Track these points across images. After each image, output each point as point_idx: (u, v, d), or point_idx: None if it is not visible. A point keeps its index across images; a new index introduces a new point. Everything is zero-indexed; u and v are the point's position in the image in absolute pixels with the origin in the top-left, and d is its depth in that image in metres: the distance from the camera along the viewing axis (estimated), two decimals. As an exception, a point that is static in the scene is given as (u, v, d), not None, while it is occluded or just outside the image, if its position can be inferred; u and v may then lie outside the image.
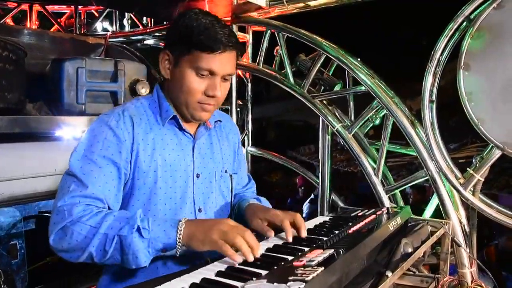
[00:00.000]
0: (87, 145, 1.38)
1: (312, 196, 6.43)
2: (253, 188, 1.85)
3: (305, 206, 6.31)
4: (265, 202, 1.73)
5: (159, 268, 1.41)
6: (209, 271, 1.14)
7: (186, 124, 1.51)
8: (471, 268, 2.31)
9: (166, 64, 1.44)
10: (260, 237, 1.48)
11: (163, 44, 3.89)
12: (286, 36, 3.01)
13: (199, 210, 1.51)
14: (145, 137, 1.42)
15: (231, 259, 1.18)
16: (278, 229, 1.50)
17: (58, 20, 4.44)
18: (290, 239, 1.41)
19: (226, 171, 1.63)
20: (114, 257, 1.24)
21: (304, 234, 1.44)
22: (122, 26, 4.39)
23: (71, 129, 2.61)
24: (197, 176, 1.51)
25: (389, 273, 1.38)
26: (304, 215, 5.94)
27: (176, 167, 1.47)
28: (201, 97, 1.41)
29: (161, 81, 1.54)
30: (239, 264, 1.19)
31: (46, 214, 2.90)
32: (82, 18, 4.43)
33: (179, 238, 1.23)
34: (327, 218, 1.80)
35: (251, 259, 1.18)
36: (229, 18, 3.32)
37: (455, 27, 2.28)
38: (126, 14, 4.32)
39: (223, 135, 1.66)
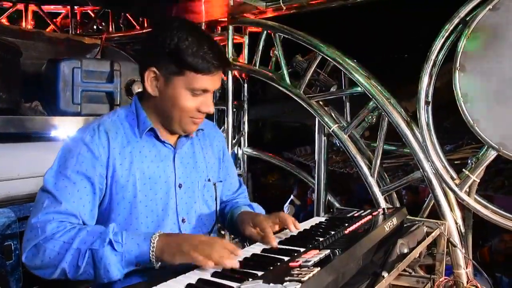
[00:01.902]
0: (61, 161, 1.37)
1: (291, 197, 6.46)
2: (245, 193, 1.84)
3: (285, 208, 6.33)
4: (258, 209, 1.73)
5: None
6: (205, 272, 1.14)
7: (165, 135, 1.49)
8: (466, 268, 2.32)
9: (153, 81, 1.41)
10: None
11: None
12: (282, 37, 3.01)
13: (183, 220, 1.50)
14: (122, 151, 1.41)
15: (202, 265, 1.16)
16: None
17: (54, 20, 4.43)
18: (294, 228, 1.47)
19: (209, 180, 1.60)
20: (87, 272, 1.23)
21: (293, 228, 1.48)
22: (117, 27, 4.38)
23: (67, 130, 2.60)
24: (180, 186, 1.50)
25: (385, 274, 1.38)
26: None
27: (156, 179, 1.45)
28: (194, 113, 1.43)
29: (140, 95, 1.51)
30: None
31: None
32: (78, 19, 4.42)
33: (152, 251, 1.22)
34: (323, 219, 1.81)
35: (227, 265, 1.16)
36: (225, 19, 3.32)
37: (451, 28, 2.29)
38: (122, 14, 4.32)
39: (207, 143, 1.65)
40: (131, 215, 1.41)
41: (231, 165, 1.79)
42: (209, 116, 1.56)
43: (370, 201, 2.70)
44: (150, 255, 1.22)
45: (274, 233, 1.50)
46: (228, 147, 3.36)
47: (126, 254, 1.22)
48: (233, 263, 1.17)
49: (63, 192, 1.31)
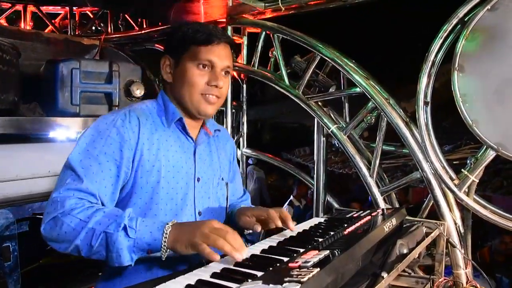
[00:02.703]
0: (90, 140, 1.39)
1: (291, 197, 6.45)
2: (248, 201, 1.87)
3: (284, 208, 6.31)
4: None
5: (143, 272, 1.41)
6: (204, 273, 1.14)
7: (189, 129, 1.53)
8: (466, 269, 2.32)
9: (167, 68, 1.52)
10: (254, 241, 1.49)
11: (161, 47, 3.95)
12: (281, 37, 3.01)
13: (199, 213, 1.53)
14: (150, 137, 1.45)
15: (209, 257, 1.18)
16: (270, 232, 1.51)
17: (53, 21, 4.42)
18: (292, 226, 1.49)
19: (222, 179, 1.66)
20: (100, 252, 1.25)
21: (292, 226, 1.50)
22: (116, 28, 4.37)
23: (65, 131, 2.60)
24: (198, 180, 1.53)
25: (384, 274, 1.38)
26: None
27: (179, 169, 1.49)
28: (204, 88, 1.46)
29: (164, 87, 1.58)
30: (234, 266, 1.18)
31: (39, 216, 2.88)
32: (76, 19, 4.41)
33: (165, 241, 1.23)
34: (322, 220, 1.80)
35: (237, 257, 1.18)
36: (224, 20, 3.32)
37: (449, 29, 2.29)
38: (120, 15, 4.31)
39: (221, 145, 1.70)
40: (152, 200, 1.43)
41: (238, 172, 1.84)
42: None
43: (361, 200, 2.70)
44: (162, 245, 1.23)
45: (272, 234, 1.52)
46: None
47: (138, 241, 1.23)
48: (242, 255, 1.19)
49: (87, 171, 1.33)
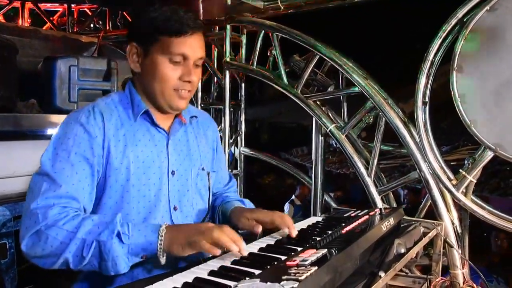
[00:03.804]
0: (57, 143, 1.33)
1: (292, 196, 6.46)
2: (235, 187, 1.82)
3: (285, 207, 6.33)
4: (249, 205, 1.72)
5: (140, 276, 1.36)
6: (201, 270, 1.14)
7: (159, 120, 1.46)
8: (463, 269, 2.32)
9: (134, 57, 1.42)
10: (251, 239, 1.47)
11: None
12: (280, 36, 3.00)
13: (174, 208, 1.47)
14: (116, 133, 1.38)
15: (210, 252, 1.16)
16: (266, 231, 1.50)
17: (51, 18, 4.41)
18: (295, 233, 1.43)
19: (203, 169, 1.58)
20: (91, 263, 1.20)
21: (295, 233, 1.44)
22: (115, 25, 4.37)
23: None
24: (172, 173, 1.47)
25: (382, 274, 1.38)
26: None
27: (150, 164, 1.42)
28: (176, 83, 1.39)
29: (132, 77, 1.50)
30: (231, 264, 1.18)
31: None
32: (75, 17, 4.40)
33: (160, 244, 1.20)
34: (320, 219, 1.80)
35: (235, 249, 1.16)
36: (223, 18, 3.31)
37: (448, 29, 2.29)
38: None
39: (201, 132, 1.63)
40: (122, 199, 1.38)
41: (222, 157, 1.77)
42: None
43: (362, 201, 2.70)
44: (158, 248, 1.20)
45: (270, 232, 1.50)
46: (225, 147, 3.35)
47: (133, 246, 1.20)
48: (241, 247, 1.17)
49: (61, 175, 1.27)
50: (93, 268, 1.21)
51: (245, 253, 1.20)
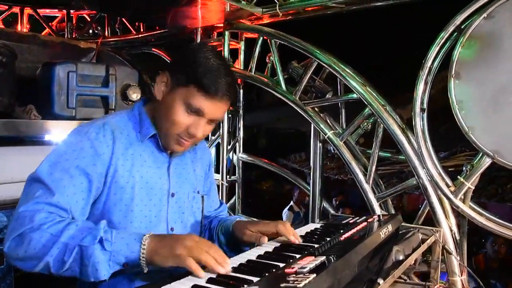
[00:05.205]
0: (61, 152, 1.33)
1: (291, 202, 6.44)
2: (225, 212, 1.84)
3: (284, 214, 6.31)
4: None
5: (121, 285, 1.36)
6: (200, 278, 1.13)
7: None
8: (461, 276, 2.32)
9: (162, 86, 1.43)
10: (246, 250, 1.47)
11: (158, 51, 3.95)
12: (278, 43, 3.02)
13: (172, 229, 1.50)
14: (125, 152, 1.40)
15: (195, 273, 1.13)
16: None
17: (50, 23, 4.41)
18: (299, 240, 1.45)
19: (198, 192, 1.62)
20: (73, 268, 1.18)
21: (299, 240, 1.45)
22: (113, 31, 4.37)
23: (61, 134, 2.58)
24: (172, 195, 1.50)
25: (380, 281, 1.38)
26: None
27: (152, 185, 1.45)
28: (182, 131, 1.40)
29: (147, 99, 1.52)
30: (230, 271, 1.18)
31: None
32: (73, 22, 4.41)
33: (143, 253, 1.18)
34: (318, 225, 1.80)
35: (221, 271, 1.14)
36: (222, 25, 3.32)
37: (446, 36, 2.30)
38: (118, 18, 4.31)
39: (197, 156, 1.66)
40: (126, 218, 1.39)
41: (213, 183, 1.80)
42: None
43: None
44: (140, 257, 1.18)
45: (270, 239, 1.50)
46: (223, 153, 3.36)
47: (115, 254, 1.18)
48: (226, 270, 1.15)
49: (57, 184, 1.27)
50: (73, 274, 1.20)
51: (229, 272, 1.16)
